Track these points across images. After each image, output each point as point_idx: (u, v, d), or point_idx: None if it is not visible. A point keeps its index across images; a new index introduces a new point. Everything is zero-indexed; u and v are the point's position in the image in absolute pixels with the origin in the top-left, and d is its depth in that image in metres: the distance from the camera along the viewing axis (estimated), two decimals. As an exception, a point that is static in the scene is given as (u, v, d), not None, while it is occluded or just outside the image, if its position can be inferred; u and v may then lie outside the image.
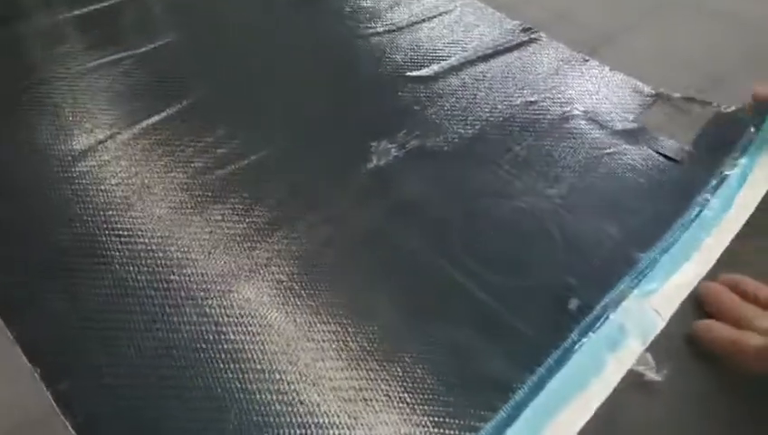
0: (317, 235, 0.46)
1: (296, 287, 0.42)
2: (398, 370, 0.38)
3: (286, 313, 0.41)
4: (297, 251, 0.45)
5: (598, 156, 0.54)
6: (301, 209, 0.48)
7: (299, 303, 0.42)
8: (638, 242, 0.47)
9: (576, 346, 0.40)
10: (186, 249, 0.44)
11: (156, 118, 0.56)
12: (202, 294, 0.42)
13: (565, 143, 0.55)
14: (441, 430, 0.36)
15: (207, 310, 0.41)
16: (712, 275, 0.44)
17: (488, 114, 0.58)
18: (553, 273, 0.44)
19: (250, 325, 0.40)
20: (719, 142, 0.55)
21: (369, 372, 0.38)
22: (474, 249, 0.46)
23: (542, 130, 0.56)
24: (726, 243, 0.46)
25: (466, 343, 0.40)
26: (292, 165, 0.52)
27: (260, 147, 0.53)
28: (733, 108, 0.58)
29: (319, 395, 0.37)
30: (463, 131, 0.56)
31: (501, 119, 0.58)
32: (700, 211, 0.48)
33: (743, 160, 0.52)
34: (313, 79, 0.61)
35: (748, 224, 0.47)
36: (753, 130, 0.54)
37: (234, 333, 0.40)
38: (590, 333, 0.41)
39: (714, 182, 0.51)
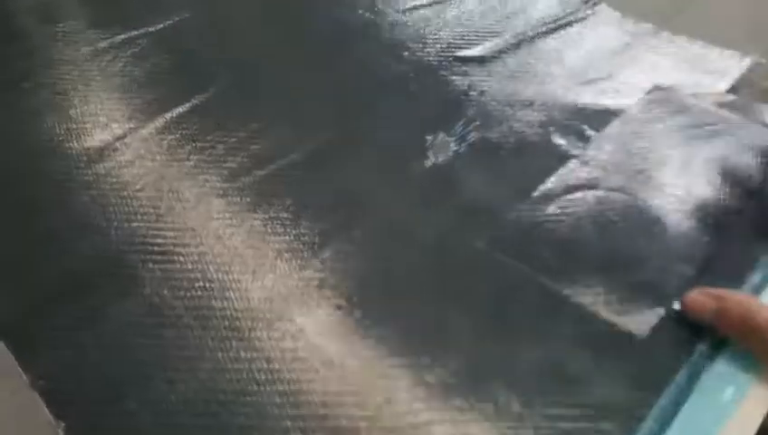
0: (375, 248, 0.40)
1: (357, 313, 0.36)
2: (490, 407, 0.32)
3: (348, 344, 0.35)
4: (354, 268, 0.39)
5: (697, 136, 0.47)
6: (353, 218, 0.41)
7: (362, 332, 0.35)
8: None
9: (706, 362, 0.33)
10: (226, 269, 0.38)
11: (180, 109, 0.49)
12: (249, 323, 0.36)
13: (651, 127, 0.48)
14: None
15: (256, 343, 0.35)
16: None
17: (555, 97, 0.51)
18: (664, 273, 0.38)
19: (306, 361, 0.34)
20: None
21: (455, 413, 0.32)
22: (563, 253, 0.39)
23: (621, 114, 0.49)
24: None
25: (572, 365, 0.33)
26: (336, 164, 0.45)
27: (298, 144, 0.46)
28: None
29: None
30: (531, 119, 0.49)
31: (570, 100, 0.51)
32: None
33: None
34: (352, 61, 0.54)
35: None
36: None
37: (288, 371, 0.34)
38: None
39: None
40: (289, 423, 0.32)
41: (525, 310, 0.36)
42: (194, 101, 0.49)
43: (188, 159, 0.45)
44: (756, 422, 0.31)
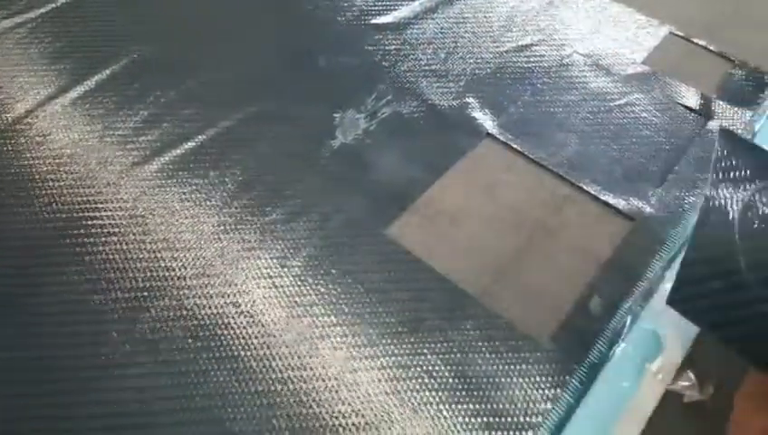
0: (285, 233, 0.37)
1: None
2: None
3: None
4: (264, 252, 0.36)
5: (607, 110, 0.45)
6: (261, 205, 0.38)
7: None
8: (666, 220, 0.39)
9: (605, 361, 0.33)
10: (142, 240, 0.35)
11: (81, 88, 0.44)
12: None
13: (568, 97, 0.46)
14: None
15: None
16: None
17: (473, 66, 0.48)
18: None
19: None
20: (744, 96, 0.47)
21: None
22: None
23: (539, 83, 0.47)
24: None
25: (475, 364, 0.32)
26: (242, 147, 0.42)
27: (206, 123, 0.43)
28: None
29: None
30: (445, 90, 0.46)
31: (489, 71, 0.48)
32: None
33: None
34: (261, 34, 0.50)
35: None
36: None
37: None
38: (621, 343, 0.33)
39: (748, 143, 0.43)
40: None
41: (432, 308, 0.35)
42: (99, 77, 0.45)
43: (96, 137, 0.41)
44: (647, 413, 0.31)
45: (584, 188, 0.40)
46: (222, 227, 0.36)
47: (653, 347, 0.33)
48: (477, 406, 0.31)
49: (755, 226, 0.26)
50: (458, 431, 0.30)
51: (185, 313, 0.33)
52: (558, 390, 0.31)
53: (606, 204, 0.39)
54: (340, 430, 0.30)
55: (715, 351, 0.32)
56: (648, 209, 0.38)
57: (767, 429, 0.24)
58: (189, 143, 0.41)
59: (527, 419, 0.30)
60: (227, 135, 0.41)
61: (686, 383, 0.32)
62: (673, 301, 0.27)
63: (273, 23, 0.50)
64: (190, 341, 0.33)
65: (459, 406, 0.31)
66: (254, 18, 0.49)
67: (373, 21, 0.51)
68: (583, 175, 0.41)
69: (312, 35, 0.48)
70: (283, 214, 0.37)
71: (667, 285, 0.36)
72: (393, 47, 0.49)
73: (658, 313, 0.34)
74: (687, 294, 0.25)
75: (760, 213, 0.27)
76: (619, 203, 0.39)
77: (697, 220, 0.28)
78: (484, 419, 0.31)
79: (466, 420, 0.30)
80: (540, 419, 0.30)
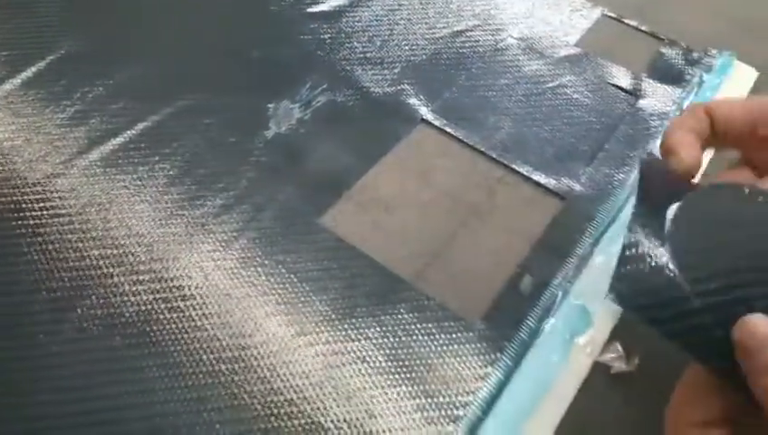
0: (220, 225, 0.37)
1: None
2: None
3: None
4: (198, 244, 0.35)
5: (540, 92, 0.46)
6: (191, 195, 0.38)
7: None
8: (595, 197, 0.40)
9: (535, 337, 0.33)
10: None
11: (11, 83, 0.43)
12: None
13: (502, 81, 0.47)
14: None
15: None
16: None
17: (408, 53, 0.48)
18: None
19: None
20: (673, 74, 0.48)
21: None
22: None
23: (473, 68, 0.47)
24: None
25: (409, 346, 0.33)
26: (172, 141, 0.41)
27: (140, 115, 0.42)
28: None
29: None
30: (380, 78, 0.46)
31: (424, 57, 0.48)
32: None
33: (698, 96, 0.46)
34: (192, 25, 0.49)
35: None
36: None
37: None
38: (550, 319, 0.34)
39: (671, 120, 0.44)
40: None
41: (366, 293, 0.35)
42: (25, 75, 0.43)
43: (21, 138, 0.40)
44: (576, 385, 0.32)
45: (517, 169, 0.40)
46: (152, 223, 0.35)
47: (582, 322, 0.34)
48: (411, 388, 0.31)
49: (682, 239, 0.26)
50: (393, 414, 0.30)
51: (113, 311, 0.33)
52: (489, 367, 0.31)
53: (538, 184, 0.40)
54: (273, 419, 0.30)
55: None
56: (578, 188, 0.39)
57: (700, 422, 0.24)
58: (118, 139, 0.40)
59: (459, 397, 0.31)
60: (157, 129, 0.41)
61: (614, 355, 0.32)
62: (612, 295, 0.26)
63: (204, 14, 0.49)
64: (118, 338, 0.32)
65: (393, 389, 0.31)
66: (184, 9, 0.48)
67: (308, 10, 0.50)
68: (516, 157, 0.41)
69: (245, 26, 0.48)
70: (215, 207, 0.37)
71: (597, 260, 0.37)
72: (328, 36, 0.48)
73: (588, 288, 0.35)
74: (625, 289, 0.25)
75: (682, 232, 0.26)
76: (550, 183, 0.39)
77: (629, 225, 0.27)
78: (418, 400, 0.31)
79: (400, 402, 0.31)
80: (471, 397, 0.31)
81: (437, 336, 0.33)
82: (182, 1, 0.50)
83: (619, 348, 0.33)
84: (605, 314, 0.34)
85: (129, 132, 0.41)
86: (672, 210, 0.26)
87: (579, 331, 0.34)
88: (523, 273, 0.36)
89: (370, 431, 0.30)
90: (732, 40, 0.51)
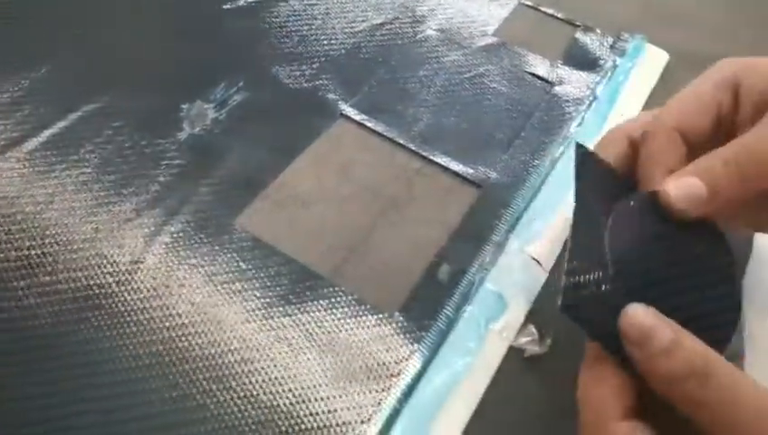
0: (129, 232, 0.36)
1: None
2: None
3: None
4: (109, 256, 0.34)
5: (458, 82, 0.46)
6: (101, 202, 0.37)
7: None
8: (511, 184, 0.40)
9: (452, 325, 0.33)
10: None
11: None
12: None
13: (421, 73, 0.47)
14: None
15: None
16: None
17: (327, 48, 0.48)
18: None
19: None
20: (588, 60, 0.49)
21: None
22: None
23: (392, 61, 0.47)
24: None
25: (325, 337, 0.32)
26: (79, 147, 0.40)
27: (40, 125, 0.40)
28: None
29: None
30: (299, 74, 0.46)
31: (343, 52, 0.48)
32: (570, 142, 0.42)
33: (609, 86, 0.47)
34: (103, 25, 0.48)
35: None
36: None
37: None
38: (467, 307, 0.34)
39: (586, 105, 0.45)
40: None
41: (283, 293, 0.34)
42: None
43: None
44: (491, 371, 0.32)
45: (435, 160, 0.41)
46: (60, 230, 0.34)
47: (497, 307, 0.34)
48: (329, 384, 0.31)
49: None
50: (315, 413, 0.30)
51: (27, 313, 0.31)
52: (406, 360, 0.32)
53: (455, 174, 0.40)
54: (183, 427, 0.29)
55: (554, 305, 0.33)
56: (494, 176, 0.40)
57: (605, 397, 0.24)
58: (25, 145, 0.39)
59: (377, 390, 0.31)
60: (65, 135, 0.39)
61: (528, 338, 0.33)
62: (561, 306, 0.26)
63: (111, 12, 0.47)
64: (33, 341, 0.31)
65: (313, 388, 0.31)
66: (89, 7, 0.47)
67: (224, 6, 0.49)
68: (434, 148, 0.41)
69: (160, 24, 0.47)
70: (126, 212, 0.35)
71: (512, 246, 0.37)
72: (244, 33, 0.48)
73: (503, 274, 0.35)
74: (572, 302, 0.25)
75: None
76: (468, 172, 0.40)
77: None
78: (335, 396, 0.31)
79: (320, 401, 0.30)
80: (388, 390, 0.31)
81: (356, 330, 0.33)
82: (94, 3, 0.49)
83: (534, 331, 0.33)
84: (520, 298, 0.35)
85: (34, 139, 0.40)
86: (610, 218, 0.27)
87: (494, 316, 0.34)
88: (441, 262, 0.36)
89: (285, 432, 0.30)
90: (645, 23, 0.52)
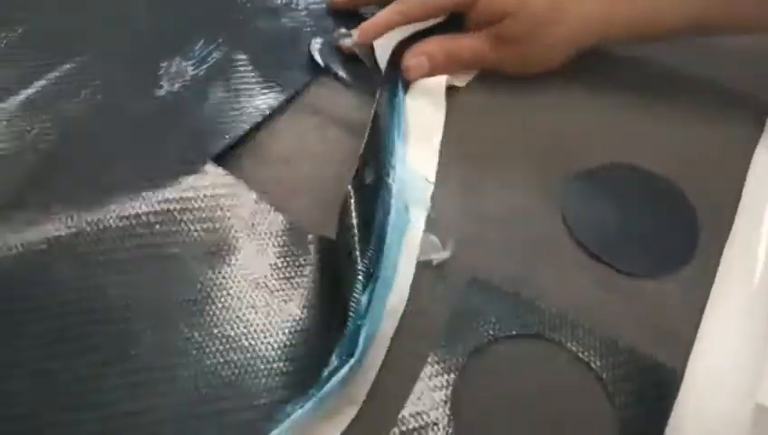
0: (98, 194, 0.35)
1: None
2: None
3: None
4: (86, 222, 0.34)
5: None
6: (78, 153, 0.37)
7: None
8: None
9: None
10: None
11: None
12: None
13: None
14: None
15: None
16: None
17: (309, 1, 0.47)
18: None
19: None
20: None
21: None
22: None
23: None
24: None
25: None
26: (67, 100, 0.39)
27: (17, 87, 0.40)
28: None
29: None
30: (281, 28, 0.45)
31: (323, 5, 0.47)
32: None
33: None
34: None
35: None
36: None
37: None
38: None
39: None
40: None
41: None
42: None
43: None
44: (406, 290, 0.31)
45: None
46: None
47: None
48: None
49: None
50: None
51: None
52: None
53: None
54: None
55: (452, 205, 0.34)
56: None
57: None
58: (4, 104, 0.38)
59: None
60: (44, 93, 0.39)
61: (431, 247, 0.32)
62: None
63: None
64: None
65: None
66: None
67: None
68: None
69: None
70: (99, 172, 0.35)
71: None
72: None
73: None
74: None
75: None
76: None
77: None
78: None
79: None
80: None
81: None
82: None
83: (435, 239, 0.33)
84: (419, 210, 0.34)
85: (11, 99, 0.39)
86: None
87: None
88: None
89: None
90: None
